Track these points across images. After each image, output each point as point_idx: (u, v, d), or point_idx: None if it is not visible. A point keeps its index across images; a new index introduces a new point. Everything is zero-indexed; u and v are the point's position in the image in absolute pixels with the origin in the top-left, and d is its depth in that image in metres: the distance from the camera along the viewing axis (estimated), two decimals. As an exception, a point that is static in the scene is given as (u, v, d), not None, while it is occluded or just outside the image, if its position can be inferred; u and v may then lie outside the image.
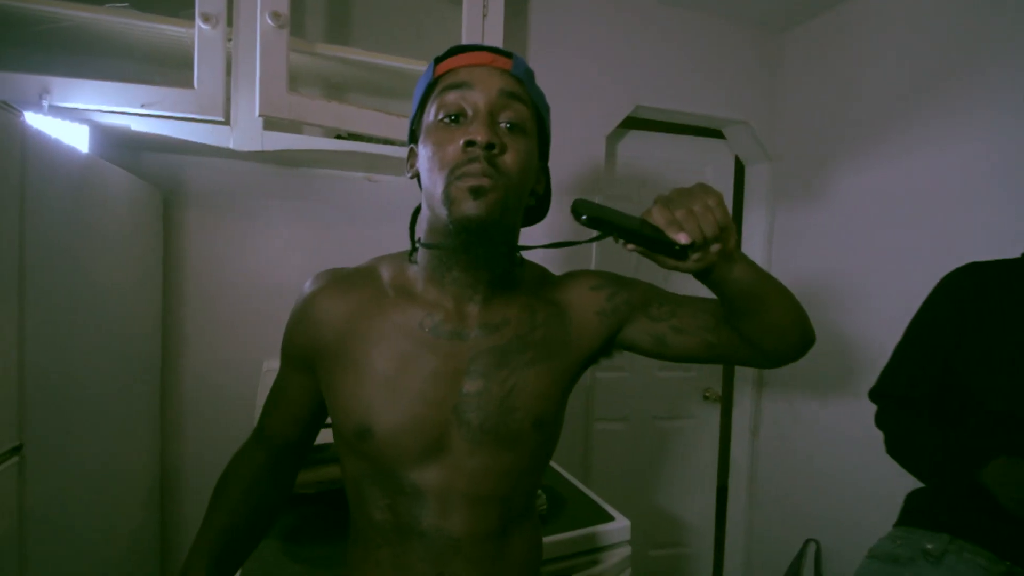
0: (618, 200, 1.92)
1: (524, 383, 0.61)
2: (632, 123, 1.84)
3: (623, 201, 1.94)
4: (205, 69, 1.02)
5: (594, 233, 0.50)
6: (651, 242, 0.49)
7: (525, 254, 0.68)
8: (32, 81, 0.95)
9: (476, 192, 0.53)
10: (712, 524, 2.13)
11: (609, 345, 0.69)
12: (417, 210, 0.66)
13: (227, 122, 1.07)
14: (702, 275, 0.56)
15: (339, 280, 0.64)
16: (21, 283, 0.70)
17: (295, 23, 1.13)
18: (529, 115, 0.59)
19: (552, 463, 1.37)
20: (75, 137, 1.03)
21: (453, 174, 0.54)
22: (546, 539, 0.99)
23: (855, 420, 1.60)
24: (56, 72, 0.97)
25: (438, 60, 0.61)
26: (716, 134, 2.03)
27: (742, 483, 2.04)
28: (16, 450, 0.70)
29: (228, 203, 1.34)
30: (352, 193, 1.45)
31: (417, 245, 0.63)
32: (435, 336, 0.60)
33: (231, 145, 1.10)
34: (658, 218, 0.50)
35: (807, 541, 1.72)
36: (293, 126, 1.24)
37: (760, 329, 0.60)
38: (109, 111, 1.00)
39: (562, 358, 0.64)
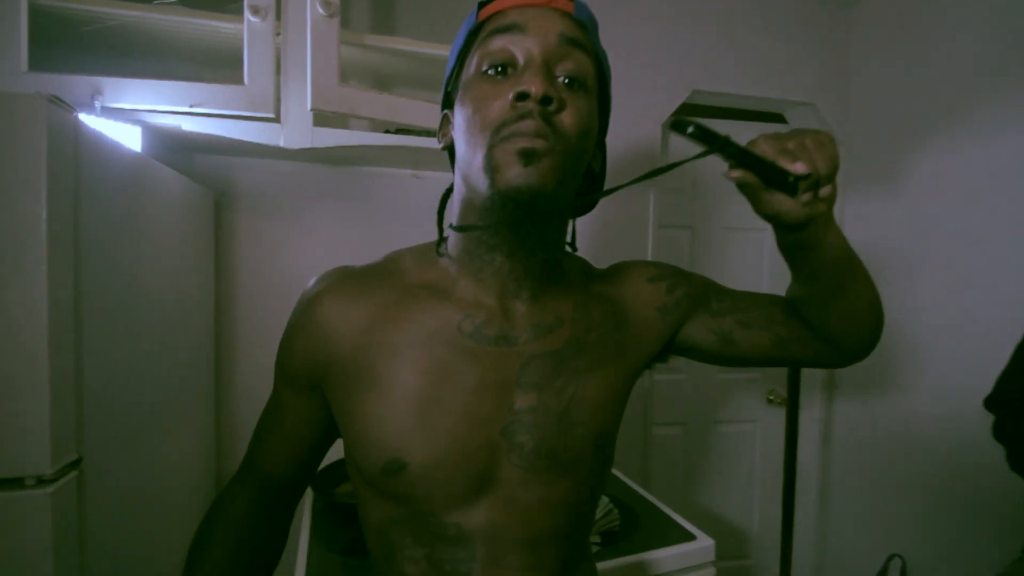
0: (672, 192, 1.82)
1: (583, 394, 0.51)
2: (688, 110, 1.73)
3: (678, 194, 1.84)
4: (255, 64, 0.99)
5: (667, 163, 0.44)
6: (764, 167, 0.41)
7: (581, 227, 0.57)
8: (84, 82, 0.93)
9: (528, 156, 0.42)
10: (778, 535, 2.00)
11: (668, 347, 0.59)
12: (447, 193, 0.56)
13: (277, 119, 1.05)
14: (796, 230, 0.46)
15: (350, 279, 0.52)
16: (77, 288, 0.67)
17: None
18: (592, 70, 0.48)
19: (613, 470, 1.28)
20: (128, 139, 1.01)
21: (498, 134, 0.44)
22: (619, 561, 0.91)
23: (944, 427, 1.46)
24: (107, 73, 0.95)
25: (482, 3, 0.50)
26: (777, 118, 1.90)
27: (812, 493, 1.90)
28: (75, 463, 0.67)
29: (278, 204, 1.31)
30: (399, 190, 1.40)
31: (448, 230, 0.52)
32: (477, 342, 0.49)
33: (281, 143, 1.07)
34: (766, 149, 0.42)
35: (891, 556, 1.58)
36: (342, 121, 1.21)
37: (840, 312, 0.52)
38: (162, 111, 0.98)
39: (621, 363, 0.55)
